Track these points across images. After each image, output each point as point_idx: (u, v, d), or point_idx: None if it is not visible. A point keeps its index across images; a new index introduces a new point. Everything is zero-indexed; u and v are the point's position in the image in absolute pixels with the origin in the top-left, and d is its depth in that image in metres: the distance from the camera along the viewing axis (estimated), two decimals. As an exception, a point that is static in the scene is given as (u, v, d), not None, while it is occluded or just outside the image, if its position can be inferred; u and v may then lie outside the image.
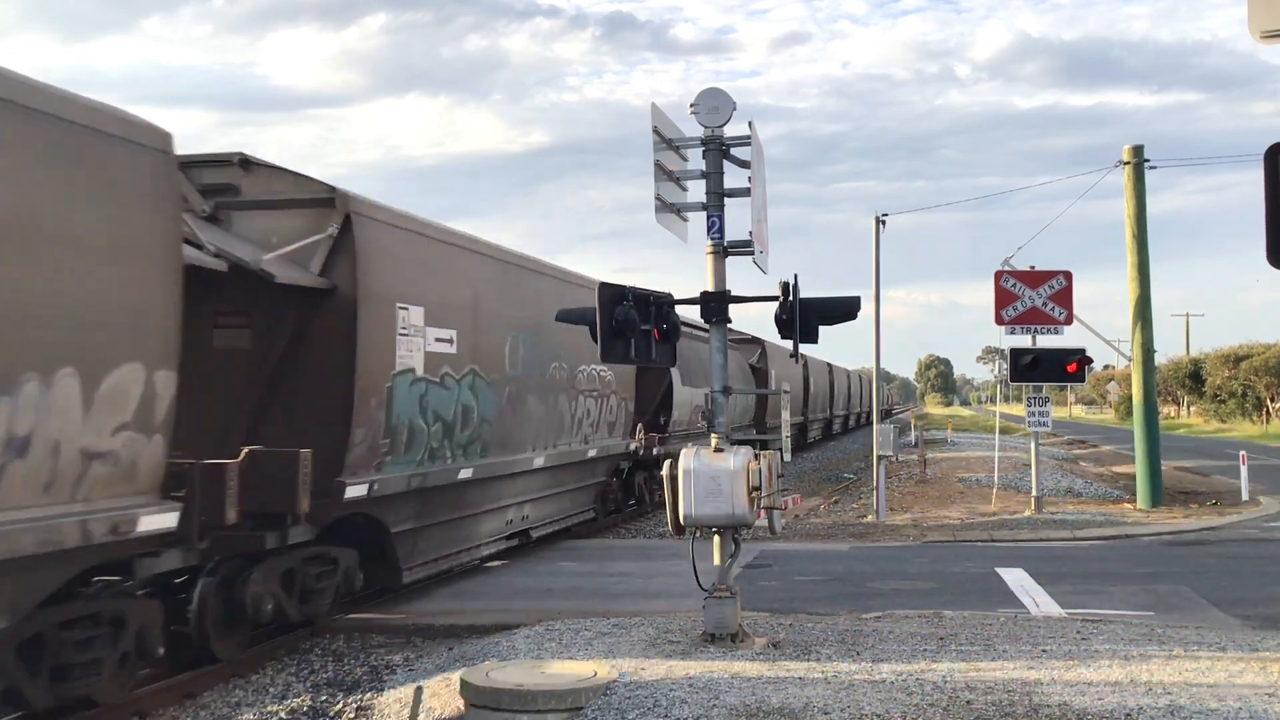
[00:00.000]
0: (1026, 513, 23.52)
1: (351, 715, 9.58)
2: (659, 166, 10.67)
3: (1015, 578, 14.96)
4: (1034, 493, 24.27)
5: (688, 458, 10.22)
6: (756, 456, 10.22)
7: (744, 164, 10.76)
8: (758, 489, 10.12)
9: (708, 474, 10.11)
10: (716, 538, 10.48)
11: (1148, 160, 24.92)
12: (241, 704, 10.03)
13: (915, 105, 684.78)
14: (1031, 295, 23.66)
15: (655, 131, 10.59)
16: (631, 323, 10.14)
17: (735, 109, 10.52)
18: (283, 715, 9.66)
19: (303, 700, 9.96)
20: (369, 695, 9.94)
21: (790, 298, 10.37)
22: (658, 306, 10.55)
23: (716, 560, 10.46)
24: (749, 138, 10.68)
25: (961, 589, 14.26)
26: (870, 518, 23.74)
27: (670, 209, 10.89)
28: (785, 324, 10.43)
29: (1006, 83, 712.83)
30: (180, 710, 9.82)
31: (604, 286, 10.25)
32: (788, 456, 10.83)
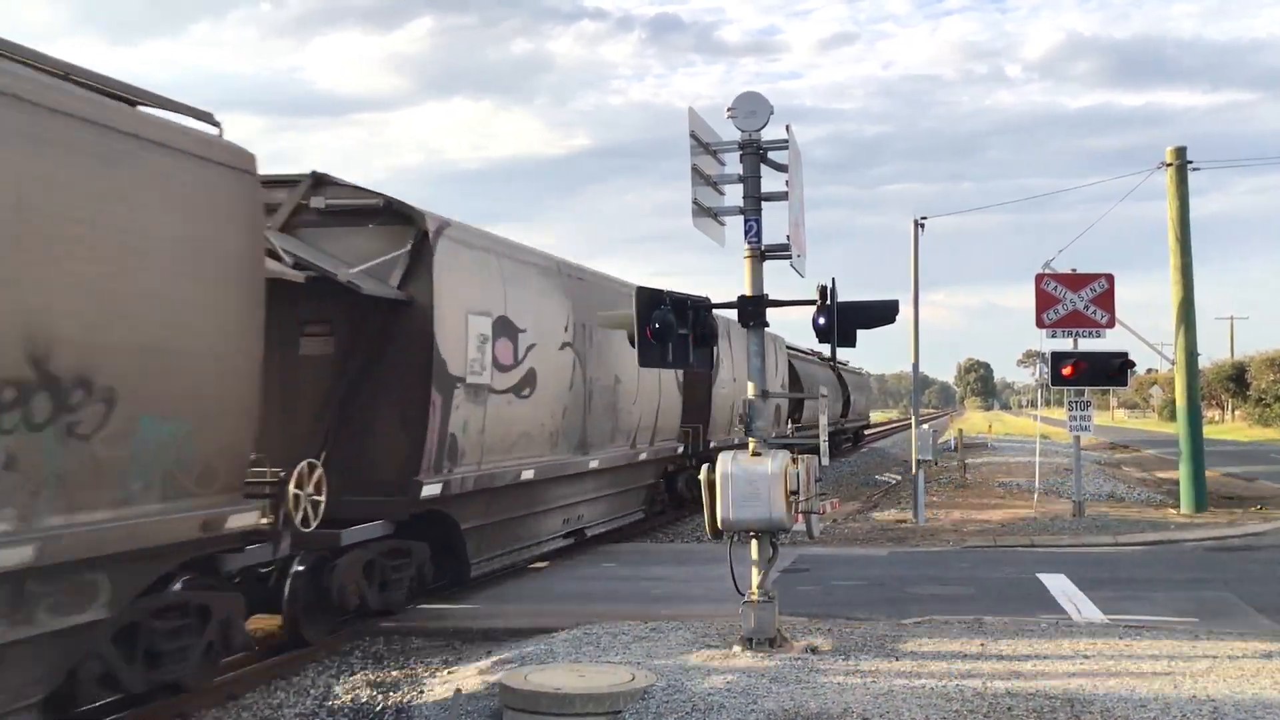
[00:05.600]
0: (1068, 517, 23.31)
1: (391, 717, 9.64)
2: (696, 171, 10.67)
3: (1057, 583, 14.84)
4: (1075, 497, 24.06)
5: (725, 462, 10.22)
6: (794, 460, 10.19)
7: (781, 168, 10.74)
8: (795, 493, 10.09)
9: (745, 478, 10.10)
10: (754, 542, 10.47)
11: (1190, 162, 24.64)
12: (283, 705, 10.12)
13: (963, 106, 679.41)
14: (1073, 298, 23.46)
15: (692, 136, 10.59)
16: (669, 327, 10.14)
17: (773, 113, 10.51)
18: (324, 717, 9.74)
19: (343, 702, 10.04)
20: (408, 697, 10.00)
21: (828, 301, 10.34)
22: (695, 310, 10.55)
23: (754, 564, 10.45)
24: (786, 141, 10.66)
25: (1002, 594, 14.16)
26: (909, 522, 23.62)
27: (707, 213, 10.88)
28: (823, 328, 10.40)
29: (1057, 82, 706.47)
30: (223, 711, 9.92)
31: (641, 291, 10.27)
32: (825, 461, 10.80)
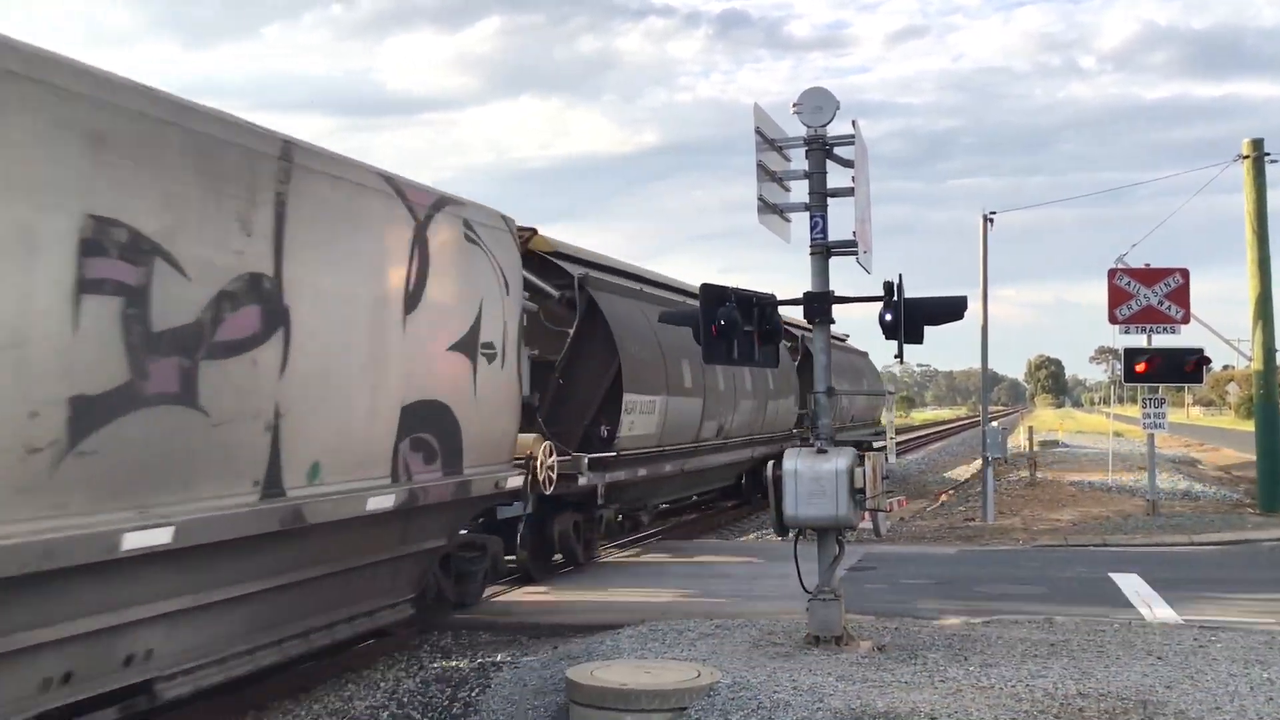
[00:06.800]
0: (1142, 516, 22.91)
1: (459, 711, 9.75)
2: (761, 167, 10.64)
3: (1129, 583, 14.59)
4: (1149, 495, 23.63)
5: (791, 458, 10.18)
6: (861, 458, 10.13)
7: (847, 163, 10.67)
8: (861, 490, 10.04)
9: (811, 475, 10.06)
10: (820, 539, 10.43)
11: (1269, 154, 24.11)
12: (353, 698, 10.27)
13: (1035, 98, 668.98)
14: (1147, 293, 23.06)
15: (758, 132, 10.57)
16: (734, 324, 10.13)
17: (839, 108, 10.45)
18: (393, 710, 9.87)
19: (412, 696, 10.17)
20: (476, 692, 10.10)
21: (895, 297, 10.26)
22: (760, 308, 10.52)
23: (820, 562, 10.41)
24: (852, 137, 10.60)
25: (1073, 594, 13.96)
26: (978, 520, 23.35)
27: (773, 209, 10.85)
28: (890, 325, 10.32)
29: (1132, 74, 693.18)
30: (295, 704, 10.09)
31: (706, 288, 10.26)
32: (893, 459, 10.73)
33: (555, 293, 16.25)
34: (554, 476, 13.93)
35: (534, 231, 16.47)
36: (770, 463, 10.40)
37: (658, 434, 17.88)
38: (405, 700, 10.05)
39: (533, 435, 13.86)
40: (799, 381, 26.85)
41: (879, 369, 37.54)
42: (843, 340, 28.32)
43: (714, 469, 22.34)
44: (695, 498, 26.14)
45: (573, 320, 16.29)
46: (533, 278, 15.57)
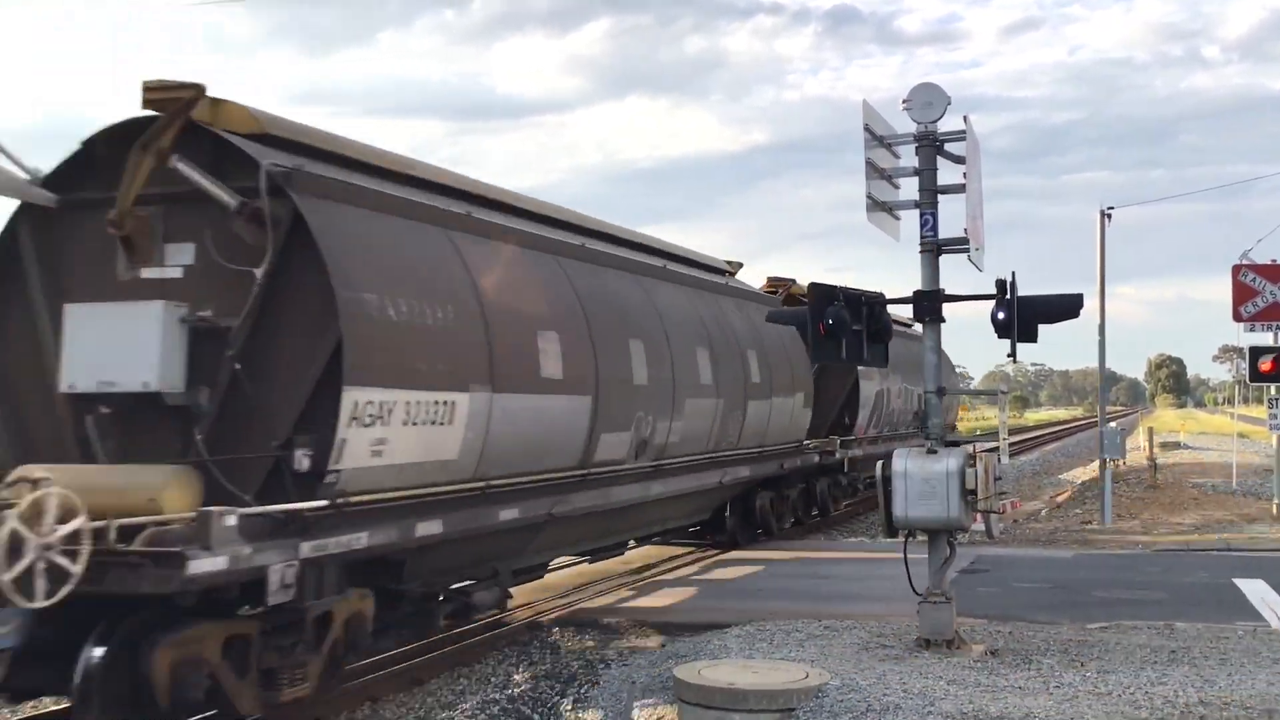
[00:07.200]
0: (1268, 520, 22.13)
1: (569, 706, 9.86)
2: (870, 165, 10.57)
3: (1255, 589, 14.10)
4: (1276, 499, 22.82)
5: (901, 459, 10.11)
6: (972, 458, 10.01)
7: (958, 159, 10.55)
8: (973, 492, 9.91)
9: (921, 475, 9.97)
10: (930, 541, 10.31)
11: (1406, 142, 23.09)
12: (466, 692, 10.45)
13: (1156, 89, 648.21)
14: (1273, 290, 22.27)
15: (866, 129, 10.50)
16: (843, 323, 10.08)
17: (949, 103, 10.36)
18: (504, 704, 10.02)
19: (523, 691, 10.31)
20: (585, 688, 10.20)
21: (1008, 295, 10.10)
22: (869, 306, 10.45)
23: (930, 564, 10.29)
24: (963, 132, 10.47)
25: (1195, 600, 13.55)
26: (1095, 524, 22.80)
27: (882, 207, 10.77)
28: (1003, 323, 10.17)
29: (1257, 63, 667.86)
30: (409, 696, 10.31)
31: (814, 287, 10.23)
32: (1006, 459, 10.55)
33: (232, 202, 8.80)
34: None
35: (200, 90, 8.91)
36: (880, 463, 10.34)
37: (464, 459, 10.14)
38: (516, 695, 10.20)
39: (169, 470, 8.28)
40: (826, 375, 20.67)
41: (991, 368, 36.95)
42: (907, 327, 23.18)
43: (634, 516, 14.42)
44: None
45: (263, 254, 8.86)
46: (195, 175, 8.78)
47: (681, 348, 14.48)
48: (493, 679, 10.88)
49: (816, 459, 20.62)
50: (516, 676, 10.89)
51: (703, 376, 15.02)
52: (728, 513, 18.65)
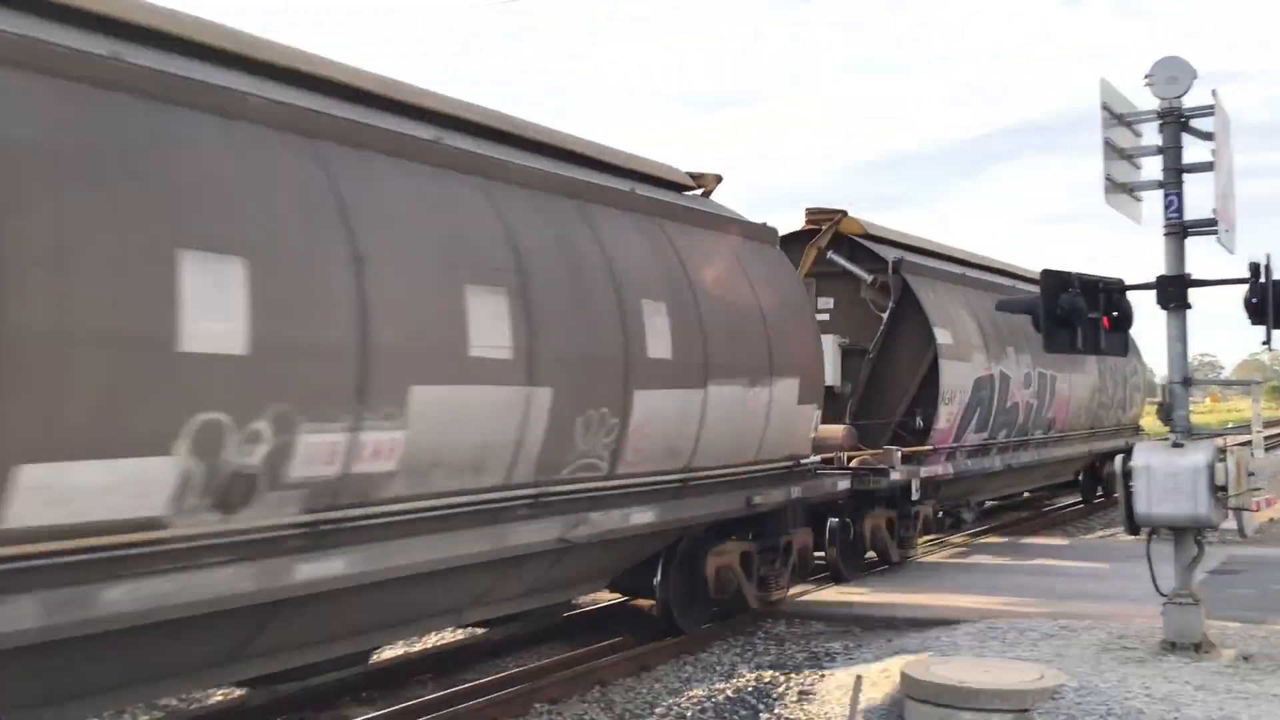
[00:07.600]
0: None
1: (794, 698, 9.83)
2: (1109, 145, 10.16)
3: None
4: None
5: (1144, 452, 9.69)
6: (1222, 452, 9.49)
7: (1206, 136, 10.03)
8: (1223, 488, 9.39)
9: (1166, 470, 9.53)
10: (1176, 539, 9.82)
11: None
12: (691, 679, 10.58)
13: None
14: None
15: (1104, 107, 10.11)
16: (1078, 311, 9.71)
17: (1196, 77, 9.84)
18: (729, 693, 10.07)
19: (747, 680, 10.34)
20: (810, 679, 10.16)
21: (1263, 279, 9.52)
22: (1107, 293, 10.01)
23: (1176, 563, 9.79)
24: (1211, 108, 9.94)
25: None
26: (1364, 523, 21.15)
27: (1122, 189, 10.32)
28: (1256, 308, 9.59)
29: None
30: (637, 681, 10.52)
31: (1047, 273, 9.90)
32: (1260, 454, 9.96)
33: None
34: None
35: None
36: (1118, 457, 9.95)
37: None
38: (742, 685, 10.24)
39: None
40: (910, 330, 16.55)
41: (1245, 356, 34.71)
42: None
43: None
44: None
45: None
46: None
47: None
48: (718, 668, 10.96)
49: (847, 484, 13.84)
50: (741, 666, 10.94)
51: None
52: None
